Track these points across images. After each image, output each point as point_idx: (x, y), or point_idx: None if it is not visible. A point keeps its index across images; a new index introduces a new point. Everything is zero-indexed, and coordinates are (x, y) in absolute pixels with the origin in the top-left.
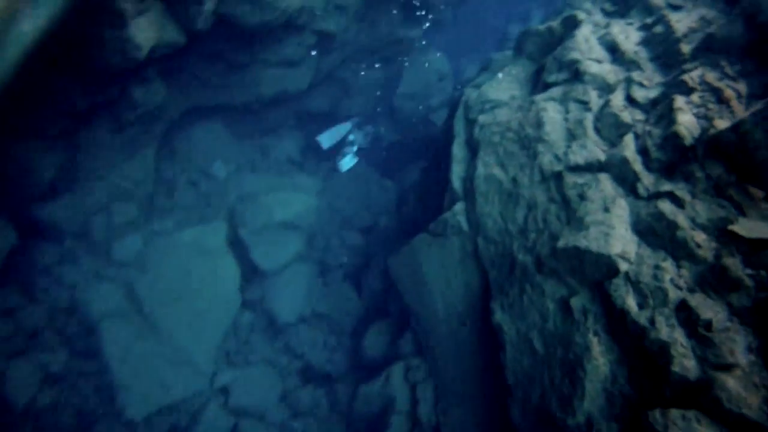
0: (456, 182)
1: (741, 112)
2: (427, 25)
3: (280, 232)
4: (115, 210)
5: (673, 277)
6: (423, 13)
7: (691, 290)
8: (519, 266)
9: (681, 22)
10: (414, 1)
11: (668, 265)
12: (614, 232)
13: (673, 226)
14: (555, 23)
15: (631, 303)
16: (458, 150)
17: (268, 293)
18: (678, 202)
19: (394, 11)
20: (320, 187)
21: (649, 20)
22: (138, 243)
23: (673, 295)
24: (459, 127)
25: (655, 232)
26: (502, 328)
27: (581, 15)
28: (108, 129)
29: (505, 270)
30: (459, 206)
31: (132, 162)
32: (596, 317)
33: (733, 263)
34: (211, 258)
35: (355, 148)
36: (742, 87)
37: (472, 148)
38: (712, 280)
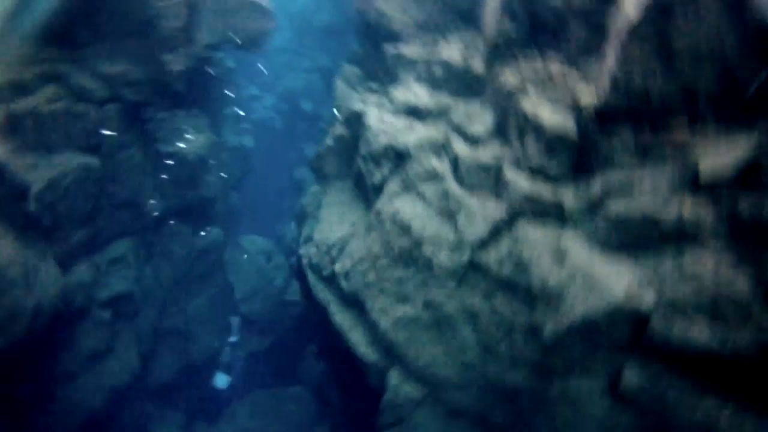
0: (371, 357)
1: (578, 80)
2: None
3: None
4: None
5: None
6: (206, 219)
7: None
8: (521, 393)
9: (451, 53)
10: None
11: None
12: (595, 274)
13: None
14: (340, 130)
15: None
16: (341, 319)
17: None
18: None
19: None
20: None
21: (420, 72)
22: None
23: None
24: (323, 294)
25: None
26: None
27: (358, 105)
28: None
29: (505, 408)
30: (395, 378)
31: None
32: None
33: None
34: None
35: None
36: (552, 63)
37: (355, 303)
38: None
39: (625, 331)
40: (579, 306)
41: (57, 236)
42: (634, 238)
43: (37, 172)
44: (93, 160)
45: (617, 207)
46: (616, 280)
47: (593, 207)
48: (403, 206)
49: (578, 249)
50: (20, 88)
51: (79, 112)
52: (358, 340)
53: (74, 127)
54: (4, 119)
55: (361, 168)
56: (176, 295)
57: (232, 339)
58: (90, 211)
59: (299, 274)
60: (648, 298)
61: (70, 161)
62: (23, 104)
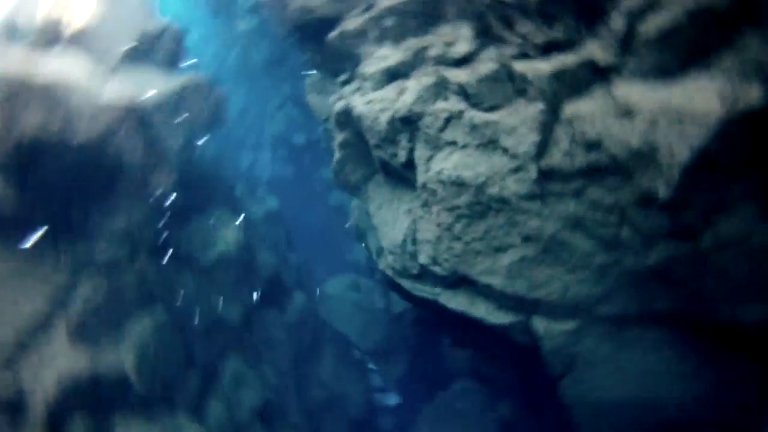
0: (505, 319)
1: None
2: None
3: None
4: None
5: None
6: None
7: None
8: (672, 267)
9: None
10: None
11: None
12: (674, 106)
13: None
14: (340, 137)
15: None
16: (457, 303)
17: None
18: None
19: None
20: None
21: (373, 35)
22: None
23: None
24: (426, 291)
25: None
26: None
27: (340, 104)
28: None
29: (663, 290)
30: (540, 325)
31: None
32: None
33: None
34: None
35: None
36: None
37: (459, 281)
38: None
39: (749, 143)
40: (679, 148)
41: (173, 393)
42: (694, 45)
43: (122, 353)
44: (159, 314)
45: (654, 24)
46: (702, 98)
47: (627, 43)
48: (443, 164)
49: (640, 94)
50: (62, 290)
51: (120, 282)
52: (483, 312)
53: (127, 296)
54: (75, 328)
55: (382, 157)
56: (303, 371)
57: (372, 366)
58: (185, 354)
59: (393, 286)
60: (754, 92)
61: (143, 329)
62: (77, 306)
